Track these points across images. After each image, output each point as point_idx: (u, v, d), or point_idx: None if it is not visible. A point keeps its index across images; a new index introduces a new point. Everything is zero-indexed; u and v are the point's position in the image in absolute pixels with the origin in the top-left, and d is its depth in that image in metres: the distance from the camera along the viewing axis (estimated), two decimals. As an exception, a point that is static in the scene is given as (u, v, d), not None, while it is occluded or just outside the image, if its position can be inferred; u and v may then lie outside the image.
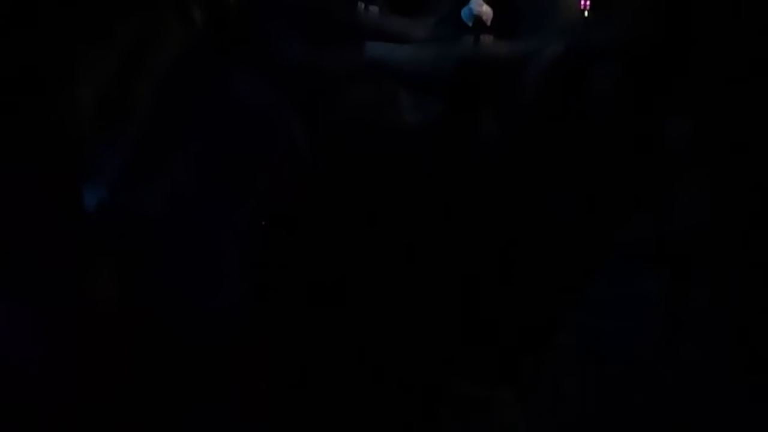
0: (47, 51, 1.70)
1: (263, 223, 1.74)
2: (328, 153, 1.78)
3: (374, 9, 1.93)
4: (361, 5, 1.92)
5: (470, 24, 1.93)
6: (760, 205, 1.65)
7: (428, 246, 1.76)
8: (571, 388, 1.64)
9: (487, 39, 1.91)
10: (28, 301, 1.56)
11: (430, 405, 1.69)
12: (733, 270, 1.66)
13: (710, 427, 1.58)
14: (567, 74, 1.81)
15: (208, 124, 1.74)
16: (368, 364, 1.68)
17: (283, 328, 1.65)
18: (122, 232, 1.65)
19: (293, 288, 1.69)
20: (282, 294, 1.68)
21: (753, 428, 1.55)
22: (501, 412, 1.65)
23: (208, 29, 1.83)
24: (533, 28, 1.92)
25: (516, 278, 1.74)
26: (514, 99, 1.83)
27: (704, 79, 1.76)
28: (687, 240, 1.71)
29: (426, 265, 1.75)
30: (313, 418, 1.63)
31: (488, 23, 1.93)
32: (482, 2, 1.91)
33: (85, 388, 1.51)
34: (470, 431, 1.66)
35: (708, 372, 1.59)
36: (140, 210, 1.66)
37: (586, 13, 1.93)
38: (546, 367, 1.67)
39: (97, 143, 1.72)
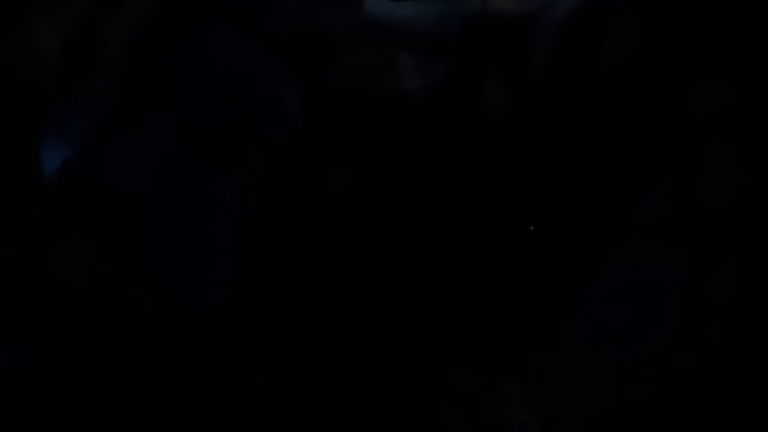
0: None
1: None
2: (322, 122, 1.65)
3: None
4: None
5: (478, -24, 1.78)
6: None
7: (429, 224, 1.64)
8: (579, 382, 1.54)
9: (496, -6, 1.76)
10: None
11: (430, 396, 1.59)
12: (761, 251, 1.55)
13: (733, 424, 1.49)
14: (584, 31, 1.67)
15: (190, 87, 1.59)
16: (367, 353, 1.58)
17: (279, 319, 1.55)
18: (90, 202, 1.51)
19: (289, 274, 1.58)
20: (277, 280, 1.57)
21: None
22: (503, 405, 1.56)
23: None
24: (547, -20, 1.77)
25: (521, 261, 1.62)
26: (526, 60, 1.69)
27: (737, 35, 1.63)
28: (710, 217, 1.60)
29: (427, 245, 1.63)
30: (312, 411, 1.54)
31: (498, -25, 1.78)
32: (491, -48, 1.75)
33: (50, 386, 1.41)
34: (471, 423, 1.57)
35: (731, 366, 1.49)
36: (112, 178, 1.52)
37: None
38: (553, 359, 1.57)
39: (60, 95, 1.57)
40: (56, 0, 1.57)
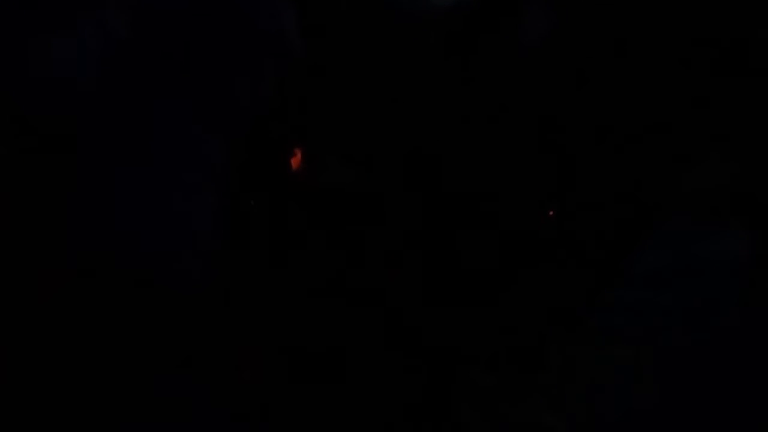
0: None
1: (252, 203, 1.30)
2: (327, 42, 1.36)
3: None
4: None
5: None
6: None
7: (449, 166, 1.36)
8: (616, 377, 1.27)
9: None
10: None
11: (447, 391, 1.31)
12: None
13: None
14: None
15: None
16: (380, 349, 1.30)
17: (275, 303, 1.25)
18: (12, 91, 1.13)
19: (284, 240, 1.28)
20: (274, 246, 1.27)
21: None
22: (523, 403, 1.28)
23: None
24: None
25: (543, 244, 1.35)
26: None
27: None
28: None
29: (444, 193, 1.35)
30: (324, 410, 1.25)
31: None
32: None
33: None
34: (490, 423, 1.29)
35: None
36: (42, 68, 1.14)
37: None
38: (582, 353, 1.30)
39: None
40: None
